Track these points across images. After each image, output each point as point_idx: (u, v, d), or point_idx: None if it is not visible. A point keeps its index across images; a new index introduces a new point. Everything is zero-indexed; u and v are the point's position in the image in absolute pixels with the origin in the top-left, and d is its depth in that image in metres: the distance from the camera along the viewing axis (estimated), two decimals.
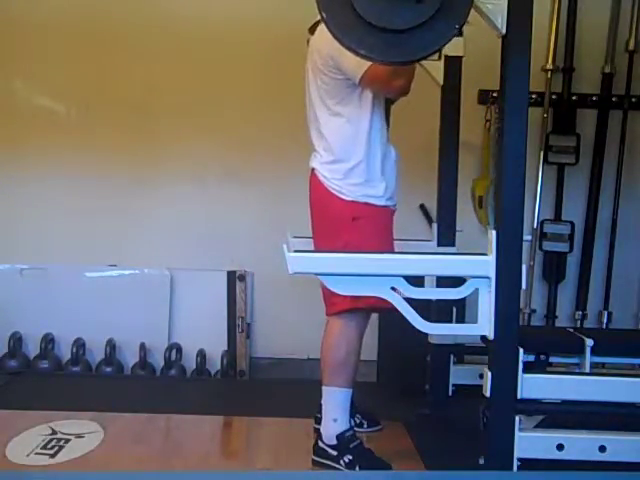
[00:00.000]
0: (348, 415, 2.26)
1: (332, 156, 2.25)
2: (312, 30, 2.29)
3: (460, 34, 2.54)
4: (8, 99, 3.50)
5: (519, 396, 1.92)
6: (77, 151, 3.46)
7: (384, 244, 2.24)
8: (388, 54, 1.81)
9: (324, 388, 2.26)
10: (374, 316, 2.57)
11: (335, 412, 2.23)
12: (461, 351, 2.71)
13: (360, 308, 2.21)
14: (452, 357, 2.68)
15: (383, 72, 2.10)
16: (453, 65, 2.61)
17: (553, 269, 3.48)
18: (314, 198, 2.33)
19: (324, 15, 1.76)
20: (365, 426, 2.53)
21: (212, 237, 3.47)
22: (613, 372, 2.27)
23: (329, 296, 2.21)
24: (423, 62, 2.60)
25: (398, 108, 2.46)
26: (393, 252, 2.24)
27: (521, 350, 1.91)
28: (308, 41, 2.34)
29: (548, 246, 3.44)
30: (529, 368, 1.99)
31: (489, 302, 1.90)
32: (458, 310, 2.54)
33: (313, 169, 2.31)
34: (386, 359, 3.23)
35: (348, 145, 2.23)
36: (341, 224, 2.23)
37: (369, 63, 2.04)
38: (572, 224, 3.44)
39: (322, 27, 2.02)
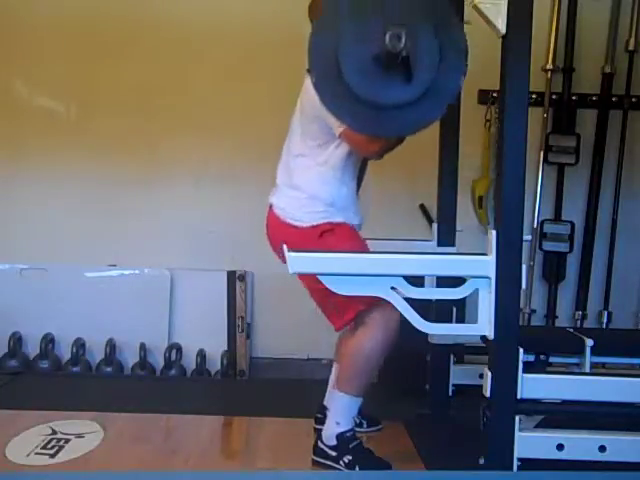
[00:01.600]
0: (352, 420, 2.26)
1: (295, 193, 2.26)
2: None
3: None
4: (8, 99, 3.50)
5: (519, 396, 1.92)
6: (77, 151, 3.46)
7: (355, 245, 2.23)
8: (371, 128, 1.84)
9: (335, 391, 2.25)
10: None
11: (340, 416, 2.23)
12: (461, 351, 2.70)
13: (365, 310, 2.19)
14: (452, 357, 2.68)
15: (359, 135, 2.07)
16: None
17: (553, 269, 3.48)
18: (274, 235, 2.30)
19: (314, 79, 1.76)
20: (365, 426, 2.53)
21: (212, 237, 3.48)
22: (613, 372, 2.27)
23: (329, 311, 2.22)
24: None
25: None
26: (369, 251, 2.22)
27: (521, 350, 1.91)
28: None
29: (548, 246, 3.45)
30: (529, 368, 1.99)
31: (489, 302, 1.90)
32: (458, 310, 2.54)
33: (272, 205, 2.31)
34: (386, 359, 3.21)
35: (316, 188, 2.23)
36: (309, 244, 2.19)
37: None
38: (572, 224, 3.44)
39: None
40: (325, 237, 2.21)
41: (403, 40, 1.61)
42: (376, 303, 2.08)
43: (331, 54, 1.73)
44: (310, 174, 2.25)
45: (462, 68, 1.78)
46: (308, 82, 2.23)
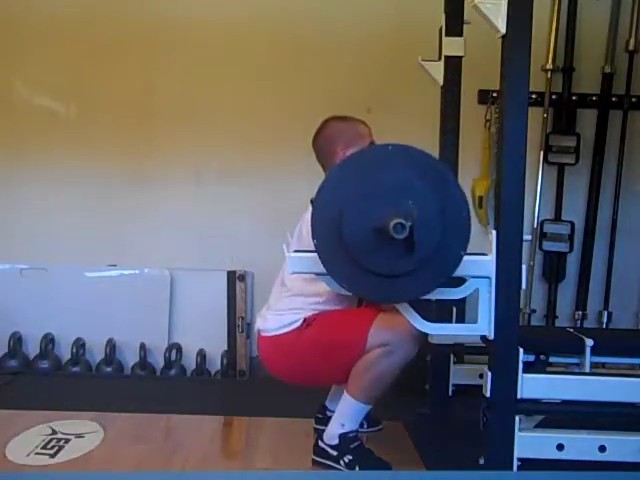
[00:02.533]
0: (357, 423, 2.25)
1: (281, 309, 2.26)
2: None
3: (460, 34, 2.55)
4: (8, 99, 3.50)
5: (519, 396, 1.92)
6: (77, 151, 3.46)
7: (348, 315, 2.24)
8: (366, 293, 1.87)
9: (346, 394, 2.23)
10: None
11: (346, 419, 2.22)
12: (461, 351, 2.71)
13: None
14: (452, 357, 2.68)
15: None
16: (453, 65, 2.60)
17: (553, 269, 3.48)
18: (272, 354, 2.30)
19: (315, 242, 1.78)
20: (365, 426, 2.52)
21: (212, 237, 3.48)
22: (613, 372, 2.27)
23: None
24: (423, 62, 2.61)
25: (399, 107, 2.46)
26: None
27: (521, 350, 1.91)
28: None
29: (548, 246, 3.45)
30: (529, 368, 1.99)
31: (489, 302, 1.90)
32: (458, 310, 2.54)
33: (259, 330, 2.31)
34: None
35: (307, 311, 2.24)
36: (310, 343, 2.20)
37: None
38: (572, 224, 3.44)
39: None
40: (314, 324, 2.20)
41: (407, 229, 1.63)
42: (397, 321, 2.06)
43: (334, 220, 1.76)
44: (297, 303, 2.25)
45: (464, 241, 1.80)
46: (307, 214, 2.22)
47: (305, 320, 2.22)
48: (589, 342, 2.18)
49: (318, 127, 2.35)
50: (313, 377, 2.30)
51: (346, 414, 2.23)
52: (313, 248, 1.96)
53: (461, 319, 2.57)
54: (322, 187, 1.81)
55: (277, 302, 2.32)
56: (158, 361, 3.43)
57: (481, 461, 1.96)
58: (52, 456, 2.28)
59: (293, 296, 2.26)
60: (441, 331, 2.39)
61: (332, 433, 2.23)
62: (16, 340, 3.39)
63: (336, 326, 2.17)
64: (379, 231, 1.72)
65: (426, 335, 1.98)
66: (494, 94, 3.27)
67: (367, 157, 1.84)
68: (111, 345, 3.39)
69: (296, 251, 1.98)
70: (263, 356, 2.35)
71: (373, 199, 1.75)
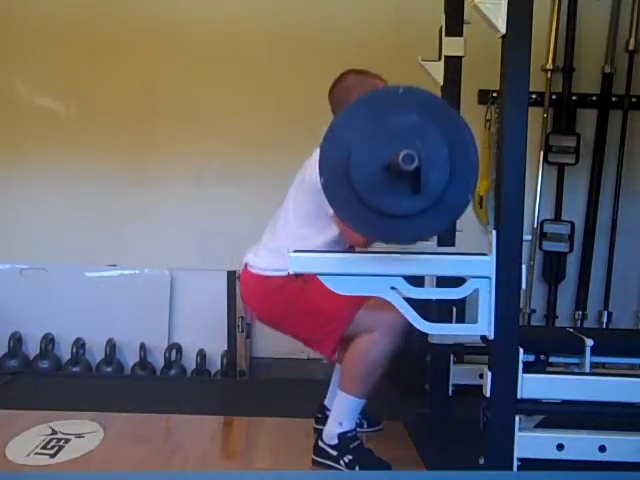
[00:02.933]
0: (354, 421, 2.26)
1: (275, 246, 2.26)
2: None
3: (460, 34, 2.55)
4: (8, 99, 3.51)
5: (519, 396, 1.92)
6: (77, 151, 3.46)
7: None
8: (373, 233, 1.84)
9: (340, 392, 2.25)
10: None
11: (343, 417, 2.23)
12: (461, 351, 2.70)
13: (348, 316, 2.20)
14: (452, 357, 2.68)
15: None
16: (453, 65, 2.60)
17: (553, 269, 3.48)
18: (253, 292, 2.31)
19: (322, 182, 1.77)
20: (365, 426, 2.53)
21: (212, 237, 3.48)
22: (613, 372, 2.27)
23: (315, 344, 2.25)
24: (423, 62, 2.61)
25: None
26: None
27: (521, 350, 1.91)
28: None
29: (548, 246, 3.45)
30: (529, 368, 1.98)
31: (489, 302, 1.90)
32: (458, 310, 2.54)
33: (247, 264, 2.31)
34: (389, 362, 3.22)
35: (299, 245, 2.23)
36: (296, 294, 2.21)
37: None
38: (572, 224, 3.44)
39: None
40: (309, 284, 2.20)
41: (416, 161, 1.62)
42: (381, 307, 2.07)
43: (342, 159, 1.74)
44: (293, 244, 2.22)
45: (471, 185, 1.79)
46: (312, 160, 2.22)
47: (300, 276, 2.20)
48: (589, 342, 2.18)
49: (336, 79, 2.36)
50: (283, 325, 2.31)
51: (342, 412, 2.23)
52: (313, 191, 2.02)
53: (461, 319, 2.57)
54: (331, 126, 1.79)
55: (273, 239, 2.31)
56: (158, 361, 3.44)
57: (481, 461, 1.96)
58: (52, 456, 2.29)
59: (295, 239, 2.23)
60: (441, 331, 2.40)
61: (331, 433, 2.23)
62: (16, 340, 3.39)
63: (327, 295, 2.12)
64: (387, 169, 1.70)
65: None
66: (494, 94, 3.27)
67: (377, 98, 1.81)
68: (111, 345, 3.39)
69: (296, 251, 1.98)
70: (244, 289, 2.36)
71: (382, 138, 1.72)
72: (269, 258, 2.27)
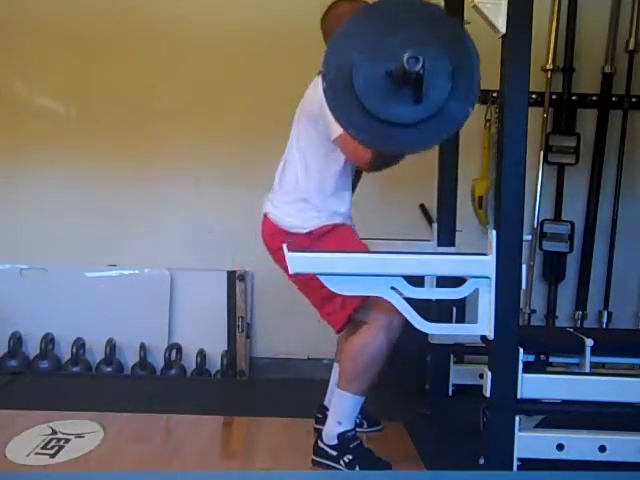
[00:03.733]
0: (353, 419, 2.26)
1: (290, 197, 2.27)
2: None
3: None
4: (8, 99, 3.50)
5: (519, 396, 1.92)
6: (77, 151, 3.46)
7: (353, 245, 2.24)
8: (373, 141, 1.84)
9: (338, 390, 2.25)
10: None
11: (342, 416, 2.23)
12: (461, 351, 2.70)
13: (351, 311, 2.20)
14: (452, 357, 2.68)
15: (352, 143, 2.05)
16: None
17: (553, 269, 3.48)
18: (272, 241, 2.30)
19: (325, 86, 1.77)
20: (365, 426, 2.53)
21: (212, 237, 3.48)
22: (613, 372, 2.27)
23: (324, 311, 2.23)
24: None
25: None
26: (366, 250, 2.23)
27: (521, 350, 1.91)
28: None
29: (548, 246, 3.45)
30: (529, 368, 1.99)
31: (489, 302, 1.90)
32: (458, 310, 2.54)
33: (266, 214, 2.32)
34: (386, 359, 3.22)
35: (312, 193, 2.25)
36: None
37: None
38: (572, 224, 3.44)
39: (316, 81, 2.04)
40: (322, 239, 2.22)
41: (421, 63, 1.62)
42: (376, 303, 2.08)
43: (345, 64, 1.74)
44: (303, 181, 2.27)
45: (472, 98, 1.79)
46: (311, 89, 2.24)
47: (311, 233, 2.22)
48: (589, 342, 2.18)
49: (327, 7, 2.34)
50: (298, 282, 2.27)
51: (341, 410, 2.23)
52: (314, 119, 2.09)
53: (461, 319, 2.57)
54: (335, 36, 1.79)
55: (284, 184, 2.30)
56: (158, 361, 3.43)
57: (481, 461, 1.96)
58: (52, 456, 2.28)
59: (304, 178, 2.25)
60: (441, 331, 2.40)
61: (330, 433, 2.23)
62: (16, 340, 3.39)
63: None
64: (390, 75, 1.71)
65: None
66: (494, 94, 3.26)
67: (380, 9, 1.80)
68: (111, 345, 3.39)
69: (296, 250, 1.97)
70: (265, 236, 2.34)
71: (385, 45, 1.72)
72: (282, 211, 2.27)
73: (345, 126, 1.80)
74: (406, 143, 1.80)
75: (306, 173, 2.26)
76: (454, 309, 2.53)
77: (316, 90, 2.05)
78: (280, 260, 2.17)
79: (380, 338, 2.17)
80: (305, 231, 2.24)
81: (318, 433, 2.31)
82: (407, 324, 2.00)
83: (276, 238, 2.24)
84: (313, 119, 2.20)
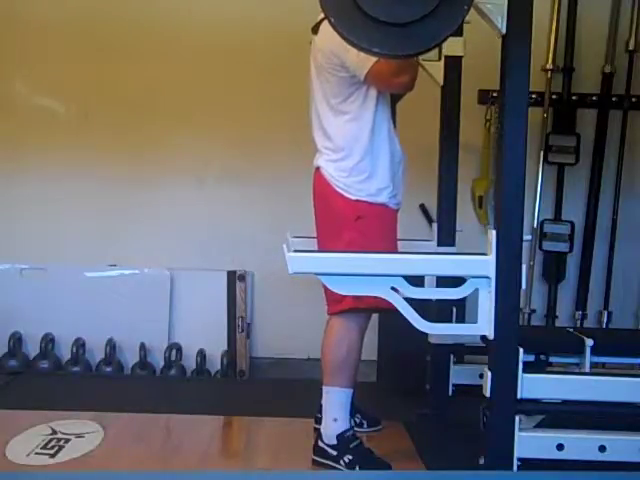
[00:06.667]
0: (348, 415, 2.26)
1: (336, 154, 2.25)
2: (315, 30, 2.28)
3: (460, 34, 2.55)
4: (8, 99, 3.50)
5: (519, 396, 1.92)
6: (77, 151, 3.46)
7: (387, 244, 2.24)
8: (396, 48, 1.81)
9: (324, 388, 2.26)
10: (374, 316, 2.56)
11: (335, 412, 2.23)
12: (461, 351, 2.70)
13: (361, 308, 2.21)
14: (452, 357, 2.68)
15: (387, 68, 2.10)
16: (453, 65, 2.60)
17: (553, 269, 3.48)
18: (318, 196, 2.33)
19: (329, 15, 1.77)
20: (365, 426, 2.53)
21: (212, 237, 3.48)
22: (613, 372, 2.27)
23: (331, 295, 2.21)
24: (423, 62, 2.60)
25: (399, 107, 2.46)
26: (396, 252, 2.24)
27: (521, 350, 1.91)
28: (311, 42, 2.34)
29: (548, 246, 3.44)
30: (529, 368, 1.99)
31: (489, 302, 1.90)
32: (458, 310, 2.54)
33: (318, 167, 2.31)
34: (386, 359, 3.23)
35: (352, 143, 2.23)
36: (344, 223, 2.22)
37: (374, 59, 2.05)
38: (572, 224, 3.44)
39: (325, 26, 2.02)
40: (361, 223, 2.21)
41: None
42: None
43: None
44: (344, 132, 2.24)
45: None
46: (318, 39, 2.24)
47: (357, 205, 2.22)
48: (589, 342, 2.18)
49: None
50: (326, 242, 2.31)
51: (332, 406, 2.24)
52: (332, 67, 2.12)
53: (461, 319, 2.58)
54: None
55: (326, 141, 2.29)
56: (158, 361, 3.43)
57: (481, 461, 1.96)
58: (52, 456, 2.28)
59: (342, 131, 2.24)
60: (441, 331, 2.40)
61: (329, 432, 2.23)
62: (16, 340, 3.39)
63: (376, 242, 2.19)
64: None
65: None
66: (494, 94, 3.26)
67: None
68: (111, 345, 3.38)
69: (296, 251, 1.98)
70: (316, 192, 2.34)
71: None
72: (330, 170, 2.26)
73: (364, 47, 1.79)
74: (425, 39, 1.79)
75: (342, 127, 2.24)
76: (454, 309, 2.53)
77: (328, 38, 2.04)
78: (322, 217, 2.27)
79: (352, 327, 2.23)
80: (350, 197, 2.23)
81: (318, 433, 2.31)
82: (407, 324, 1.99)
83: (326, 194, 2.27)
84: (333, 65, 2.19)
